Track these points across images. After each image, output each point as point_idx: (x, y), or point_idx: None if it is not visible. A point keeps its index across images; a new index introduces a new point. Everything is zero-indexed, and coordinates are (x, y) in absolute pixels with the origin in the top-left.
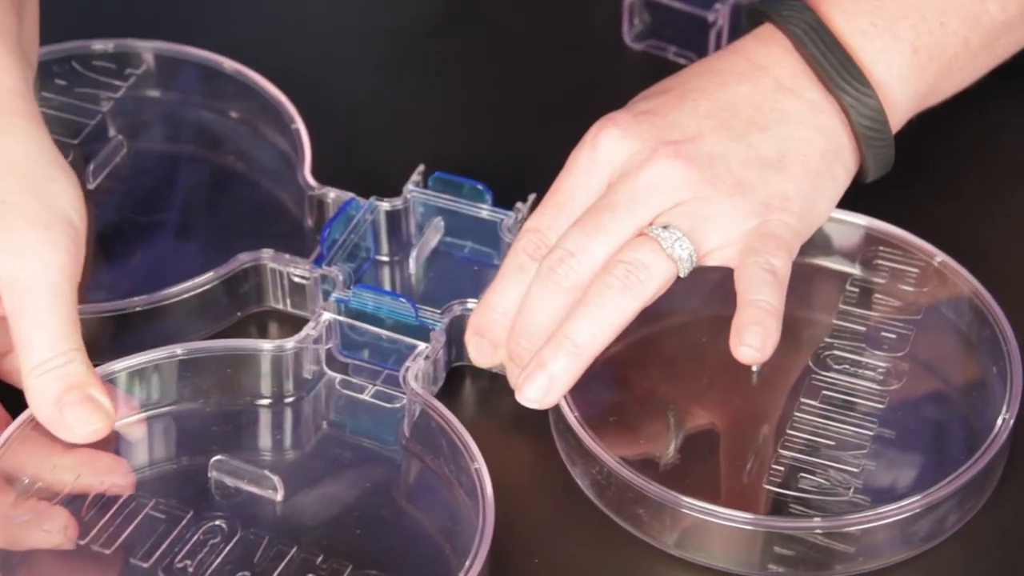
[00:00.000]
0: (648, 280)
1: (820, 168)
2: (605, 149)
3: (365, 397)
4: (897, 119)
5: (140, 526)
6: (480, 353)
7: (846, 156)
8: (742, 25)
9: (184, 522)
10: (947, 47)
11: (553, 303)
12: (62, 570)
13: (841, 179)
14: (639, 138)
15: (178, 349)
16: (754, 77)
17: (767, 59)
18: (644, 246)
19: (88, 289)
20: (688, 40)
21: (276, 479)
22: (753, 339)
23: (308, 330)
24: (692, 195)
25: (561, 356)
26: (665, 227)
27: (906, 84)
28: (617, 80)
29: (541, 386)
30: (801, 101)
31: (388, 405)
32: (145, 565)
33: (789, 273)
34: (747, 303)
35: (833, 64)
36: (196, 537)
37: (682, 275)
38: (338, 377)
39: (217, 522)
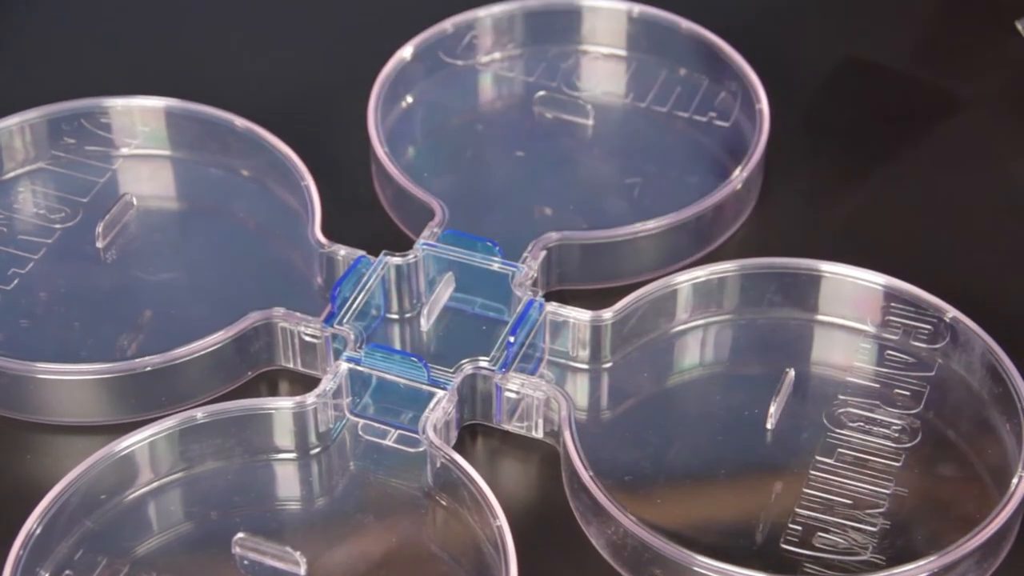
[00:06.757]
0: None
1: None
2: None
3: (388, 442)
4: None
5: None
6: None
7: None
8: None
9: None
10: None
11: None
12: None
13: None
14: None
15: (198, 413)
16: None
17: None
18: None
19: (97, 350)
20: None
21: (297, 554)
22: None
23: (327, 383)
24: None
25: None
26: None
27: None
28: None
29: None
30: None
31: (411, 450)
32: None
33: None
34: None
35: None
36: None
37: None
38: (360, 422)
39: None
